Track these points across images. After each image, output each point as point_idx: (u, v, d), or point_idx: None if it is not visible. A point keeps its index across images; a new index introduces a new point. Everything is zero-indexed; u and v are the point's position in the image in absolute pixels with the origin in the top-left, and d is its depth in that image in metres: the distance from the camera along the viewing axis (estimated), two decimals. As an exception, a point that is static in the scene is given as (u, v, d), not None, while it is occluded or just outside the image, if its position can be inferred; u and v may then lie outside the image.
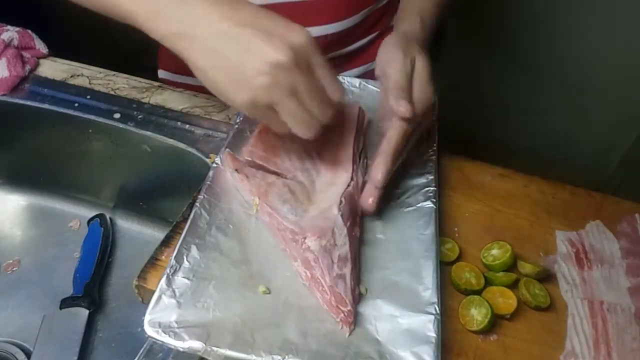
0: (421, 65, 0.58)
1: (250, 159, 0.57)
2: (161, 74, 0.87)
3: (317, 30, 0.74)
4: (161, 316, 0.45)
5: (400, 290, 0.50)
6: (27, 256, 0.72)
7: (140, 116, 0.69)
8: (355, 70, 0.82)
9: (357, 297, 0.49)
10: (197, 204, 0.53)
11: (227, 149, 0.58)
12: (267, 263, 0.51)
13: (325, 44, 0.76)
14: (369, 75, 0.78)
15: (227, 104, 0.73)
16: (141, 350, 0.50)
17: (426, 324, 0.46)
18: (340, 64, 0.77)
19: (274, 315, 0.47)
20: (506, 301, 0.53)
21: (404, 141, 0.55)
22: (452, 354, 0.50)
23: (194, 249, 0.50)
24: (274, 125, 0.51)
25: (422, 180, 0.59)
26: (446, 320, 0.51)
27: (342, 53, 0.79)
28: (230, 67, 0.47)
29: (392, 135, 0.54)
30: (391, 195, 0.58)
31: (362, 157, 0.60)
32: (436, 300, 0.48)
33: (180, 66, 0.83)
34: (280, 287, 0.49)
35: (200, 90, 0.78)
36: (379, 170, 0.53)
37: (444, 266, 0.54)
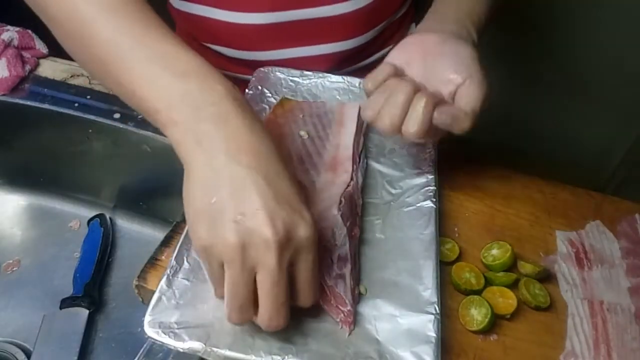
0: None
1: (250, 159, 0.57)
2: None
3: (334, 47, 0.74)
4: (161, 317, 0.45)
5: (400, 290, 0.49)
6: (27, 256, 0.72)
7: (140, 116, 0.69)
8: None
9: (357, 297, 0.49)
10: (197, 204, 0.53)
11: (227, 149, 0.58)
12: (267, 263, 0.51)
13: (342, 59, 0.76)
14: None
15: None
16: (141, 351, 0.50)
17: (426, 324, 0.46)
18: (358, 77, 0.76)
19: (274, 316, 0.47)
20: (506, 301, 0.53)
21: None
22: (452, 354, 0.50)
23: (194, 249, 0.50)
24: (212, 282, 0.44)
25: (422, 180, 0.59)
26: (446, 320, 0.51)
27: (359, 67, 0.79)
28: (216, 201, 0.40)
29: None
30: (391, 195, 0.58)
31: (362, 157, 0.60)
32: (436, 300, 0.48)
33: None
34: (280, 287, 0.49)
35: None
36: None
37: (444, 266, 0.54)
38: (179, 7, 0.74)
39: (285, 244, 0.39)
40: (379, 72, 0.55)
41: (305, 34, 0.72)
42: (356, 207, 0.54)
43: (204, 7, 0.71)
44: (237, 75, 0.78)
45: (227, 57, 0.75)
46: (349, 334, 0.46)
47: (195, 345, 0.43)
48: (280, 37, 0.72)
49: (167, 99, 0.43)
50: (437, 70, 0.55)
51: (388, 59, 0.58)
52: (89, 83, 0.73)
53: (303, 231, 0.40)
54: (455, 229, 0.60)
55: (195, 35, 0.77)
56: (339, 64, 0.76)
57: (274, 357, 0.43)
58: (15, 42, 0.74)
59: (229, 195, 0.40)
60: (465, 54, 0.55)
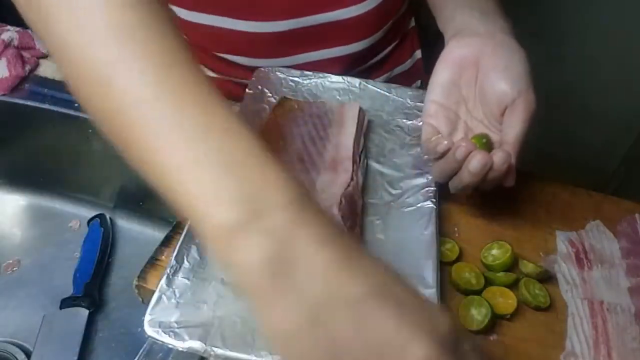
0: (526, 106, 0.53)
1: (250, 159, 0.57)
2: None
3: (347, 49, 0.74)
4: (161, 316, 0.44)
5: (400, 290, 0.49)
6: (27, 256, 0.72)
7: (140, 116, 0.69)
8: (381, 78, 0.81)
9: (357, 297, 0.48)
10: (197, 204, 0.53)
11: (227, 149, 0.58)
12: (267, 263, 0.51)
13: (354, 60, 0.76)
14: (393, 81, 0.78)
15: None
16: (141, 350, 0.50)
17: (426, 324, 0.46)
18: (365, 76, 0.76)
19: (274, 315, 0.47)
20: (506, 301, 0.53)
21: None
22: (452, 354, 0.50)
23: (194, 249, 0.50)
24: None
25: (422, 180, 0.59)
26: (446, 320, 0.50)
27: (367, 66, 0.79)
28: None
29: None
30: (391, 195, 0.58)
31: (362, 157, 0.60)
32: (436, 300, 0.48)
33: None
34: (280, 287, 0.49)
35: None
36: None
37: (444, 266, 0.54)
38: (190, 19, 0.72)
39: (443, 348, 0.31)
40: (433, 144, 0.53)
41: (321, 38, 0.72)
42: (356, 207, 0.54)
43: (220, 18, 0.70)
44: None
45: (243, 65, 0.75)
46: (349, 334, 0.46)
47: (196, 344, 0.43)
48: (297, 43, 0.72)
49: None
50: (491, 86, 0.54)
51: (437, 79, 0.55)
52: (89, 83, 0.73)
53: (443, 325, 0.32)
54: (455, 229, 0.60)
55: (207, 46, 0.76)
56: (351, 65, 0.76)
57: (274, 356, 0.43)
58: (15, 42, 0.74)
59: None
60: (518, 62, 0.54)
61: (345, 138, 0.60)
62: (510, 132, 0.53)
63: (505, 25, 0.57)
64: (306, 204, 0.32)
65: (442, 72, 0.56)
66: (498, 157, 0.50)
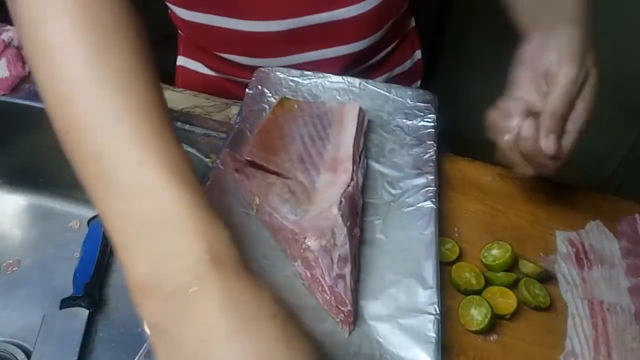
0: (591, 84, 0.52)
1: (250, 159, 0.57)
2: (180, 60, 0.86)
3: (347, 48, 0.74)
4: (161, 316, 0.44)
5: (401, 290, 0.50)
6: (27, 256, 0.72)
7: (140, 116, 0.69)
8: (381, 78, 0.81)
9: (357, 297, 0.49)
10: (197, 204, 0.53)
11: (227, 149, 0.58)
12: (266, 263, 0.51)
13: (354, 60, 0.76)
14: (392, 81, 0.78)
15: (227, 104, 0.73)
16: (141, 350, 0.50)
17: (426, 324, 0.46)
18: (365, 76, 0.76)
19: (274, 315, 0.47)
20: (506, 301, 0.53)
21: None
22: (452, 354, 0.50)
23: None
24: None
25: (422, 180, 0.59)
26: (446, 320, 0.51)
27: (367, 65, 0.79)
28: None
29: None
30: (391, 195, 0.58)
31: (362, 157, 0.60)
32: (436, 300, 0.48)
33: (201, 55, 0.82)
34: (281, 287, 0.49)
35: (206, 88, 0.77)
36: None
37: (444, 266, 0.54)
38: (190, 18, 0.72)
39: None
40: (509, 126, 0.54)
41: (321, 37, 0.72)
42: (356, 207, 0.54)
43: (220, 18, 0.70)
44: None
45: (243, 65, 0.75)
46: (349, 334, 0.46)
47: (196, 345, 0.43)
48: (297, 42, 0.72)
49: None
50: (547, 62, 0.53)
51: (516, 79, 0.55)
52: (89, 83, 0.73)
53: None
54: (455, 229, 0.60)
55: (207, 46, 0.76)
56: (350, 65, 0.76)
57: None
58: (16, 42, 0.74)
59: None
60: (571, 39, 0.52)
61: (345, 138, 0.60)
62: (547, 100, 0.51)
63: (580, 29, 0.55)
64: (210, 266, 0.33)
65: (520, 72, 0.56)
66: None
